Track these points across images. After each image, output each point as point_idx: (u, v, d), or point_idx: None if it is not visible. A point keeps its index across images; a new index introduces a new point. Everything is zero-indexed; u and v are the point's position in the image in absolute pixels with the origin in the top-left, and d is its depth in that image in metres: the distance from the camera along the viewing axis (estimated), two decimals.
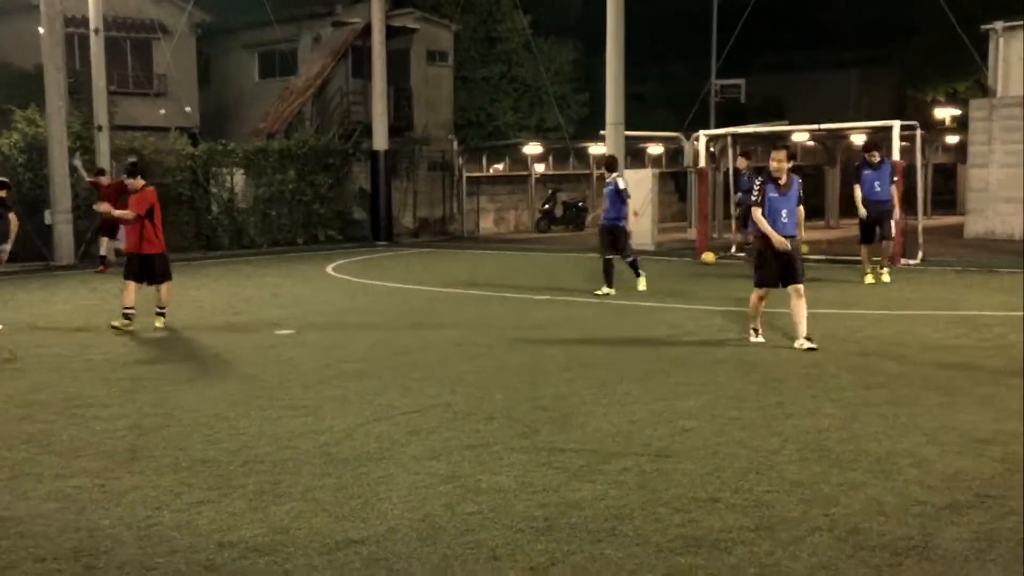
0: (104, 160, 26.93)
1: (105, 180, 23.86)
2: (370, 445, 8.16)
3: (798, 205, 12.40)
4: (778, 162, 12.31)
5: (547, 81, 40.57)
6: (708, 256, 25.15)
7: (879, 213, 19.67)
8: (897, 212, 20.90)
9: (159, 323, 14.93)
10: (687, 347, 12.71)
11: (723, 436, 8.29)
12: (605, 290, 18.33)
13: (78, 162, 25.77)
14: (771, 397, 9.75)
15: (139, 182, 14.90)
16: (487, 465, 7.55)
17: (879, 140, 22.23)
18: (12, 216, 17.02)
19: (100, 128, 27.52)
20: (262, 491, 7.01)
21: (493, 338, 13.64)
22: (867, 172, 19.63)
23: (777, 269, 12.40)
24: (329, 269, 24.57)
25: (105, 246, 24.39)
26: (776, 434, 8.35)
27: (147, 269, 14.92)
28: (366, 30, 34.48)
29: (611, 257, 18.56)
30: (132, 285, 14.74)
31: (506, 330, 14.40)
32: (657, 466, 7.48)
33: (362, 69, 36.24)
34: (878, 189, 19.59)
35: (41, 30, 27.40)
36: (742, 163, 25.02)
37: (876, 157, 19.63)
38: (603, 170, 19.38)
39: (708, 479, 7.16)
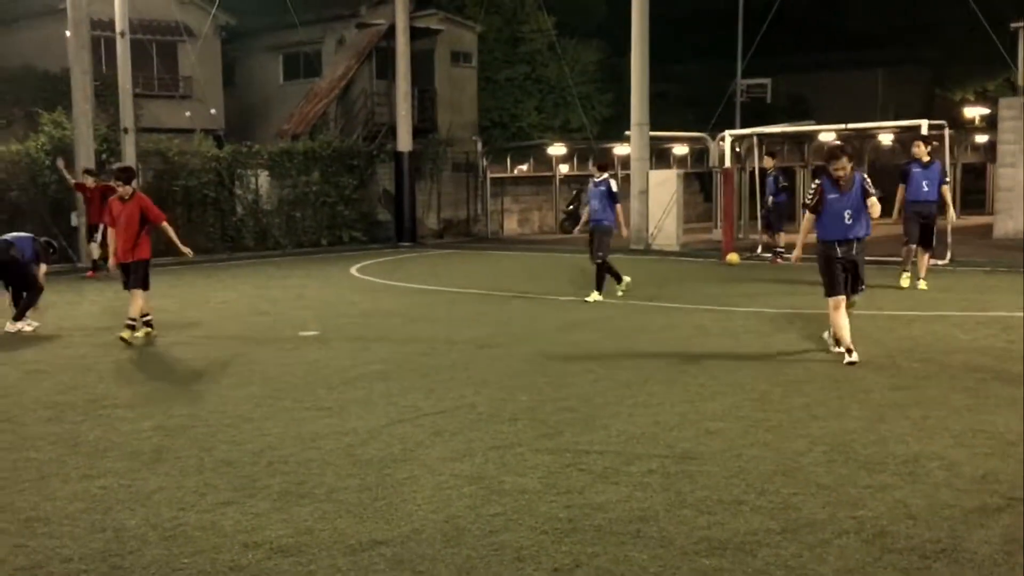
0: (131, 162, 27.07)
1: (91, 182, 23.66)
2: (394, 446, 8.18)
3: (866, 200, 11.44)
4: (842, 169, 11.41)
5: (571, 81, 40.56)
6: (733, 257, 25.10)
7: (927, 216, 18.61)
8: (952, 214, 20.46)
9: (126, 334, 13.86)
10: (712, 349, 12.68)
11: (748, 438, 8.28)
12: (595, 296, 17.77)
13: (60, 163, 25.72)
14: (797, 399, 9.71)
15: (129, 188, 14.18)
16: (511, 467, 7.56)
17: (928, 136, 21.52)
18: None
19: (126, 130, 27.75)
20: (286, 492, 7.04)
21: (517, 339, 13.65)
22: (916, 171, 18.44)
23: (842, 274, 11.68)
24: (353, 270, 24.62)
25: (94, 250, 23.89)
26: (802, 436, 8.32)
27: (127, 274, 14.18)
28: (390, 31, 34.56)
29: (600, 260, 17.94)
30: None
31: (530, 331, 14.41)
32: (682, 468, 7.47)
33: (386, 70, 36.32)
34: (926, 189, 18.38)
35: (67, 33, 27.69)
36: (768, 163, 24.98)
37: (923, 152, 18.37)
38: (594, 169, 18.76)
39: (733, 481, 7.15)
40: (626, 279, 18.44)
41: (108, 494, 7.07)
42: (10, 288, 15.44)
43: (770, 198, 24.89)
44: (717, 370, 11.22)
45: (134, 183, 14.53)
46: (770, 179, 24.81)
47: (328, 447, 8.19)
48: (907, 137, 32.28)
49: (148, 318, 14.47)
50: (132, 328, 14.01)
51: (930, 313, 15.61)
